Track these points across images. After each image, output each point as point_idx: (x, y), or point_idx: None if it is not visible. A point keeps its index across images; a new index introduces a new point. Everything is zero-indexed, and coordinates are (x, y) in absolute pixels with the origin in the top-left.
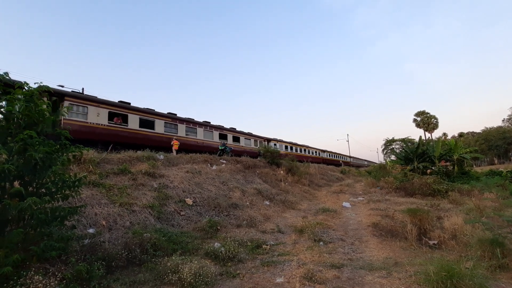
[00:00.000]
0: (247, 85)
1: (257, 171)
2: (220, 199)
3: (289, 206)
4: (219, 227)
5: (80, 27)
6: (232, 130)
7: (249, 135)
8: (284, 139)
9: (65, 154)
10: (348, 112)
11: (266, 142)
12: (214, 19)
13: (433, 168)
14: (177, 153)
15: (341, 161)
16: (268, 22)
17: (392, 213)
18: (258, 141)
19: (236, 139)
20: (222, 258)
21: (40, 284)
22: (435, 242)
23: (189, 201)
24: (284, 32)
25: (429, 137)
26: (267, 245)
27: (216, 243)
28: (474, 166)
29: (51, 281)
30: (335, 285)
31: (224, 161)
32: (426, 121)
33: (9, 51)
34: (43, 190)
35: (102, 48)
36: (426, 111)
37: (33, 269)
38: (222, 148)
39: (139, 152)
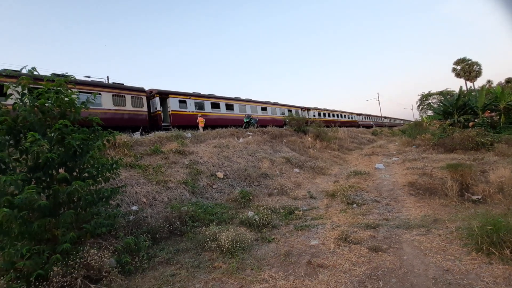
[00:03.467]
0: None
1: (284, 140)
2: (249, 170)
3: (319, 172)
4: (251, 197)
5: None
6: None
7: (104, 87)
8: (199, 93)
9: (99, 139)
10: (379, 70)
11: (145, 99)
12: None
13: (476, 120)
14: (203, 130)
15: (344, 121)
16: None
17: (430, 171)
18: (129, 97)
19: None
20: (256, 226)
21: (96, 257)
22: (479, 196)
23: (220, 174)
24: None
25: (470, 87)
26: (300, 210)
27: (249, 212)
28: None
29: (105, 253)
30: (371, 244)
31: (250, 133)
32: (467, 69)
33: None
34: (86, 174)
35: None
36: (467, 57)
37: (88, 244)
38: (247, 120)
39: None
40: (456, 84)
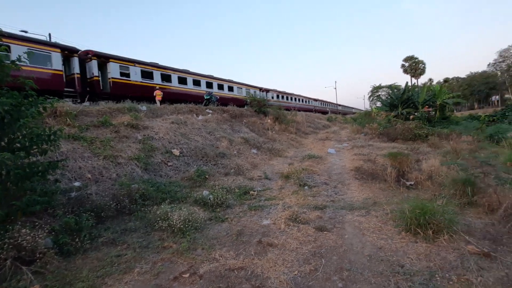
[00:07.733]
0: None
1: (244, 120)
2: (207, 149)
3: (276, 154)
4: (207, 176)
5: None
6: None
7: None
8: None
9: (33, 106)
10: (336, 60)
11: None
12: None
13: (416, 113)
14: (160, 104)
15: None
16: None
17: (374, 158)
18: None
19: None
20: (210, 205)
21: (28, 237)
22: (412, 183)
23: (176, 152)
24: None
25: (415, 83)
26: (255, 191)
27: (204, 191)
28: (455, 111)
29: (39, 233)
30: (318, 224)
31: (210, 111)
32: (414, 66)
33: None
34: (17, 145)
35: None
36: (415, 56)
37: (20, 223)
38: (208, 97)
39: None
40: (403, 79)
